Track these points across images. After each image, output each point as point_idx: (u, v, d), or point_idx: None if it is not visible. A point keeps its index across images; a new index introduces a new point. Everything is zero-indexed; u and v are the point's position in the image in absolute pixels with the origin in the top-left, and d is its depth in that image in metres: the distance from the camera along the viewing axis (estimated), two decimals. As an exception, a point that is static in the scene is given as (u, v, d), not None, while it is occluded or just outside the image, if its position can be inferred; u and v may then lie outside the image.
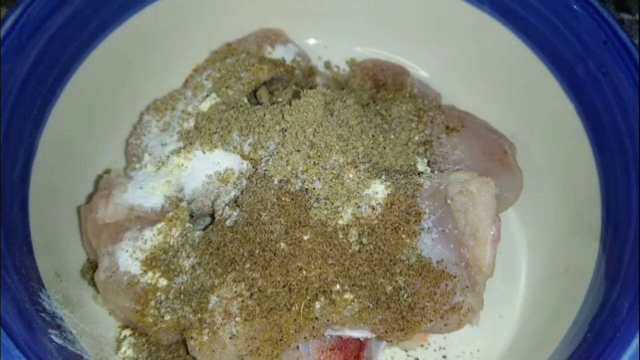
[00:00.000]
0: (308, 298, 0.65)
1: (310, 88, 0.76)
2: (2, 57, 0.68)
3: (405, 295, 0.65)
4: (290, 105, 0.73)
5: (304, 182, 0.70)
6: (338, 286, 0.65)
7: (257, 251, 0.67)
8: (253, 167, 0.74)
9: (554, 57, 0.80)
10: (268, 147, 0.73)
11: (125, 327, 0.75)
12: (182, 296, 0.68)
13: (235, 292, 0.66)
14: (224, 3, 0.90)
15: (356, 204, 0.69)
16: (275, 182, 0.70)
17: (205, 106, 0.80)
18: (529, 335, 0.78)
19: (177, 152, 0.78)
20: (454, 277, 0.67)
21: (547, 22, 0.77)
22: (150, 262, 0.70)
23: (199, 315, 0.66)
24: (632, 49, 0.71)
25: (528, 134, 0.86)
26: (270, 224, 0.68)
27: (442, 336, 0.79)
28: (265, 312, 0.65)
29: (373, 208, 0.69)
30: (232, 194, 0.74)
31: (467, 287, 0.67)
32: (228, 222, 0.70)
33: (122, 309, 0.70)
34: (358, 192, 0.69)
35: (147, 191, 0.74)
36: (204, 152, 0.76)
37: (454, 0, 0.85)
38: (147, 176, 0.76)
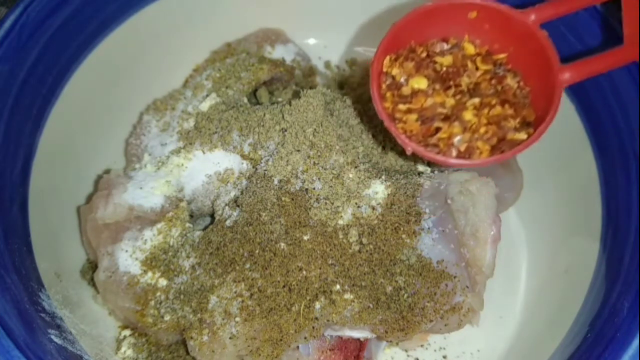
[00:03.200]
0: (308, 298, 0.65)
1: (310, 88, 0.76)
2: (1, 57, 0.68)
3: (406, 296, 0.65)
4: (290, 105, 0.73)
5: (304, 182, 0.70)
6: (338, 286, 0.65)
7: (257, 251, 0.67)
8: (253, 167, 0.74)
9: (554, 57, 0.79)
10: (268, 147, 0.73)
11: (125, 327, 0.75)
12: (182, 296, 0.68)
13: (235, 292, 0.66)
14: (224, 3, 0.90)
15: (356, 204, 0.68)
16: (275, 182, 0.70)
17: (205, 106, 0.80)
18: (529, 336, 0.78)
19: (177, 152, 0.78)
20: (454, 277, 0.67)
21: (547, 21, 0.77)
22: (150, 262, 0.70)
23: (199, 315, 0.66)
24: (632, 49, 0.71)
25: (528, 134, 0.86)
26: (270, 224, 0.68)
27: (442, 336, 0.79)
28: (265, 312, 0.65)
29: (373, 208, 0.68)
30: (232, 194, 0.74)
31: (467, 287, 0.67)
32: (228, 222, 0.70)
33: (122, 309, 0.70)
34: (358, 192, 0.69)
35: (147, 191, 0.74)
36: (203, 152, 0.76)
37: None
38: (147, 176, 0.76)
